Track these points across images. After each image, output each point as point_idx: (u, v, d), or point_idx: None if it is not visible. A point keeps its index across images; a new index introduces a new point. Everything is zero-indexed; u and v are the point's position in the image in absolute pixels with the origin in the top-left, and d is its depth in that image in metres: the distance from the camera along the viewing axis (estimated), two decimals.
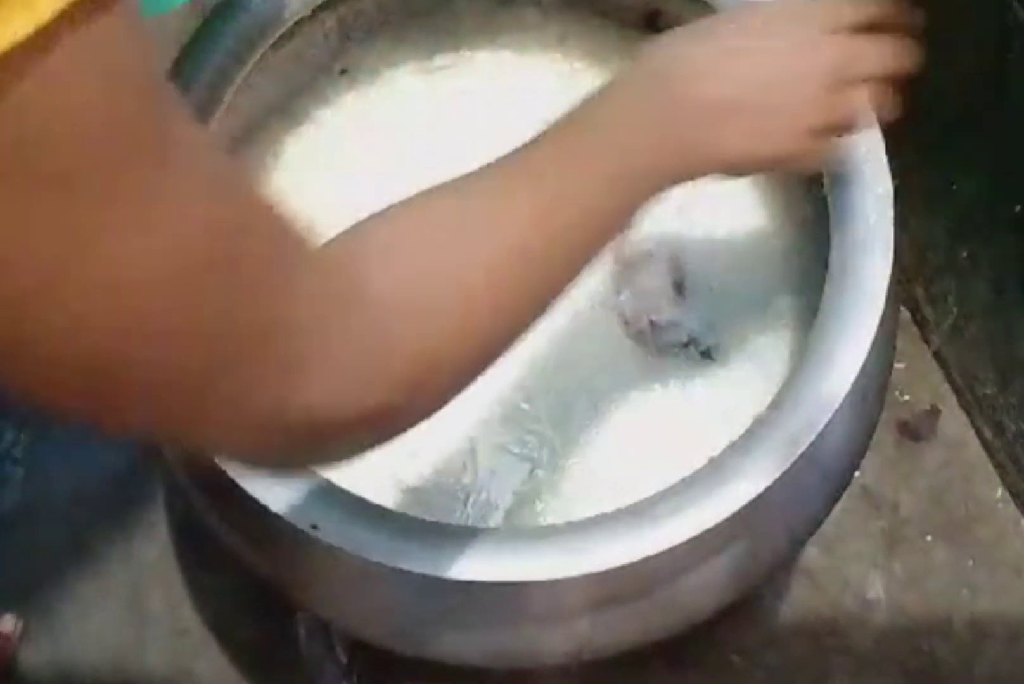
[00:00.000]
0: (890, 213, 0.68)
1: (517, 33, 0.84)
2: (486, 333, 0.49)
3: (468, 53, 0.85)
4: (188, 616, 1.02)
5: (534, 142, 0.53)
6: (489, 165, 0.52)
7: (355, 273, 0.44)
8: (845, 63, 0.58)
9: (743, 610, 1.02)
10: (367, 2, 0.81)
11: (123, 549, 1.03)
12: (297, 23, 0.77)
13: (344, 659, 1.00)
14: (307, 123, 0.84)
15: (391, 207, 0.49)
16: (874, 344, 0.67)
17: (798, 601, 1.04)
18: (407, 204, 0.50)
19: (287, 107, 0.83)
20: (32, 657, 1.01)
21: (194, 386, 0.39)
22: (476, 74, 0.85)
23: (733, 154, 0.57)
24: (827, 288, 0.67)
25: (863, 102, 0.59)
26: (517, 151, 0.52)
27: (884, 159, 0.70)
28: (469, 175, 0.51)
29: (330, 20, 0.80)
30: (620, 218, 0.54)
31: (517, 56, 0.84)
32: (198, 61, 0.73)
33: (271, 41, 0.75)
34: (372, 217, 0.49)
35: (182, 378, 0.39)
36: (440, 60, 0.85)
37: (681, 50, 0.56)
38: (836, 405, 0.66)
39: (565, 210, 0.51)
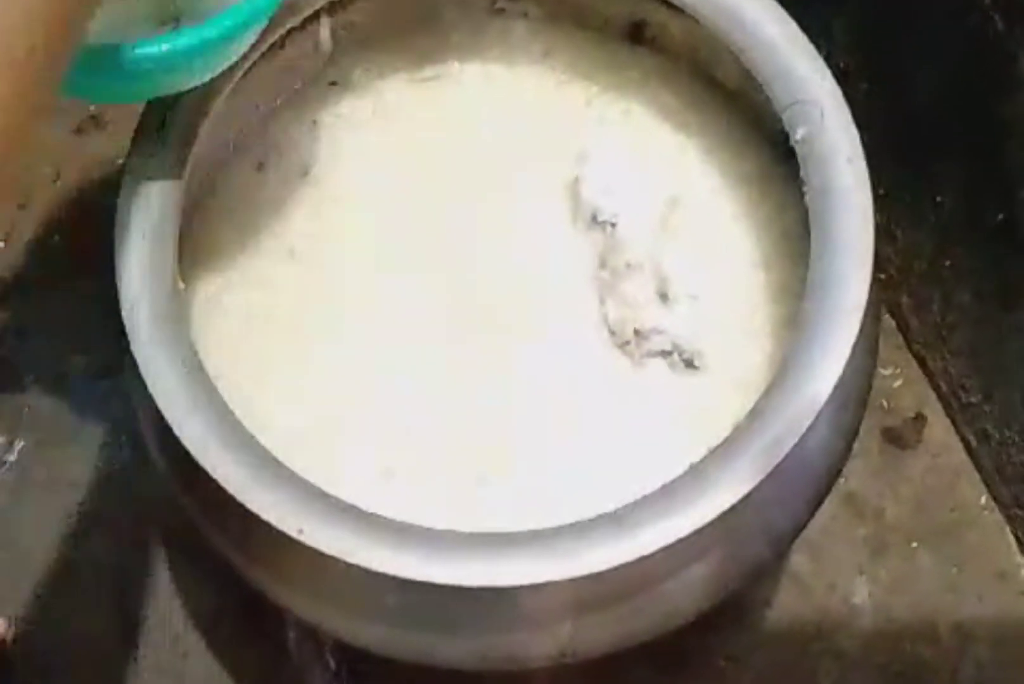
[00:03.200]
0: (870, 222, 0.69)
1: (505, 46, 0.85)
2: None
3: (457, 65, 0.85)
4: (178, 621, 1.02)
5: None
6: None
7: None
8: None
9: (731, 615, 1.03)
10: (356, 13, 0.82)
11: (114, 554, 1.04)
12: (288, 33, 0.78)
13: (333, 663, 1.00)
14: (297, 133, 0.84)
15: None
16: (854, 352, 0.67)
17: (785, 606, 1.04)
18: None
19: (278, 117, 0.83)
20: (22, 661, 1.02)
21: None
22: (464, 86, 0.85)
23: None
24: (807, 298, 0.68)
25: None
26: None
27: (865, 170, 0.70)
28: None
29: (319, 29, 0.81)
30: None
31: (505, 68, 0.85)
32: None
33: (262, 50, 0.76)
34: None
35: None
36: (429, 71, 0.85)
37: None
38: (816, 413, 0.66)
39: None
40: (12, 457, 1.07)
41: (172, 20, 0.71)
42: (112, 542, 1.04)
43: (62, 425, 1.08)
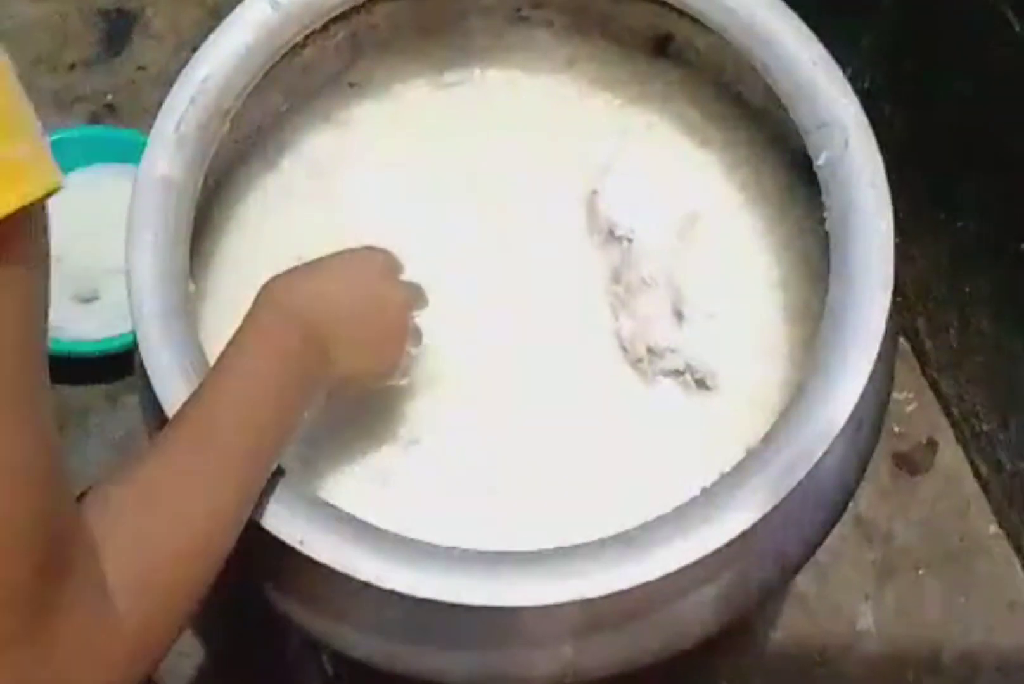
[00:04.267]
0: (890, 248, 0.68)
1: (528, 53, 0.84)
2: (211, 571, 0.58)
3: (479, 71, 0.85)
4: None
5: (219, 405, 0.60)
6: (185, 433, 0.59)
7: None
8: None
9: (735, 636, 1.02)
10: (379, 16, 0.81)
11: None
12: (309, 35, 0.77)
13: (331, 671, 0.99)
14: (314, 134, 0.83)
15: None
16: (871, 379, 0.66)
17: (789, 628, 1.04)
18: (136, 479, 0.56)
19: (295, 117, 0.83)
20: None
21: None
22: (486, 92, 0.84)
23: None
24: (825, 321, 0.67)
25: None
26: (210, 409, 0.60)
27: (887, 196, 0.69)
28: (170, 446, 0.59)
29: (342, 32, 0.80)
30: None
31: (527, 76, 0.84)
32: (207, 66, 0.73)
33: (283, 51, 0.75)
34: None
35: None
36: (450, 77, 0.85)
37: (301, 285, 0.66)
38: (830, 440, 0.65)
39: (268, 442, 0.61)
40: None
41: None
42: None
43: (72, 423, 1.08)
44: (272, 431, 0.61)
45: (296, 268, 0.68)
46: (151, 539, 0.54)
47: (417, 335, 0.72)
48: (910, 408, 1.08)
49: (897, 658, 1.03)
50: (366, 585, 0.63)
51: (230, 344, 0.63)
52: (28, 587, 0.47)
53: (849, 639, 1.03)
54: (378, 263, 0.70)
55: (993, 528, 1.06)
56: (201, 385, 0.61)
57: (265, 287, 0.65)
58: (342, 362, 0.66)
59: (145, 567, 0.53)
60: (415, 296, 0.72)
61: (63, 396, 1.08)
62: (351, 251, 0.70)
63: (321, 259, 0.69)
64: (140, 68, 1.10)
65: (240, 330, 0.63)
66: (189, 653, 1.01)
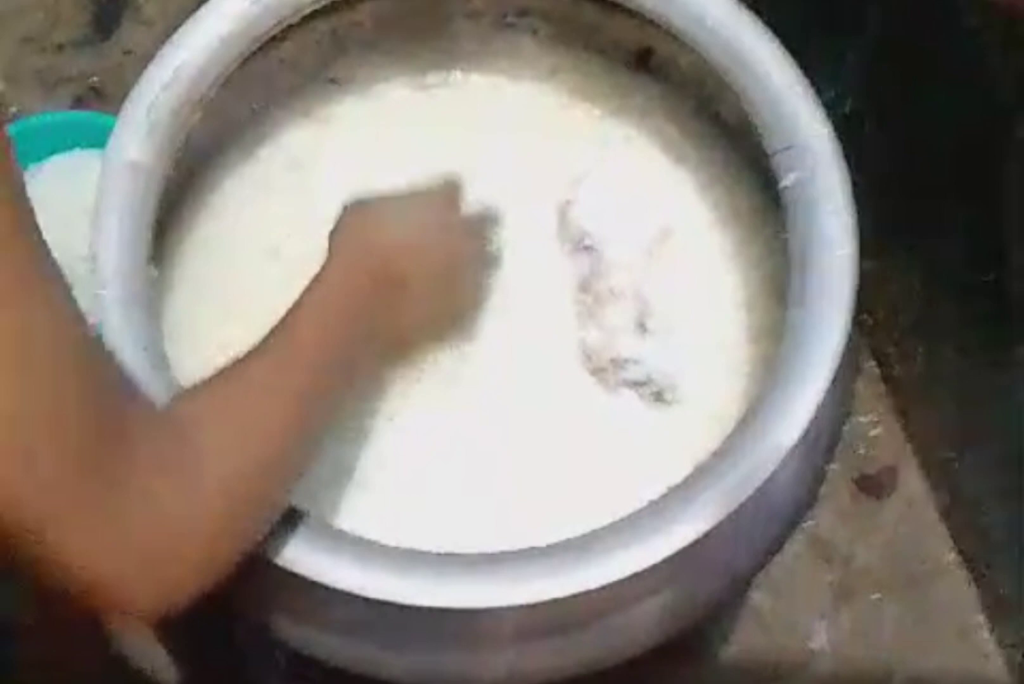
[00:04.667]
0: (851, 272, 0.69)
1: (512, 60, 0.84)
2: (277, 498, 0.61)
3: (462, 75, 0.85)
4: None
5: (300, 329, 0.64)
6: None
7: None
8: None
9: (687, 649, 1.02)
10: (363, 14, 0.81)
11: None
12: (287, 28, 0.77)
13: (284, 664, 0.99)
14: (293, 128, 0.84)
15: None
16: (827, 398, 0.67)
17: (743, 643, 1.04)
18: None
19: (274, 111, 0.83)
20: (22, 654, 1.02)
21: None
22: (467, 96, 0.85)
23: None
24: (783, 342, 0.68)
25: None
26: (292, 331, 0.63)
27: (851, 222, 0.70)
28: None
29: (324, 28, 0.81)
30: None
31: (510, 82, 0.84)
32: (182, 53, 0.74)
33: (260, 43, 0.76)
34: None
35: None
36: (433, 78, 0.85)
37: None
38: (781, 458, 0.66)
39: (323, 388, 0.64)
40: None
41: None
42: None
43: None
44: (341, 359, 0.65)
45: (376, 205, 0.71)
46: (232, 449, 0.56)
47: (490, 261, 0.75)
48: (875, 431, 1.08)
49: (850, 679, 1.03)
50: (318, 586, 0.64)
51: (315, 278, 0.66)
52: (92, 452, 0.48)
53: (803, 657, 1.04)
54: (443, 201, 0.72)
55: (952, 555, 1.06)
56: (287, 312, 0.64)
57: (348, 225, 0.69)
58: (415, 306, 0.69)
59: (230, 472, 0.55)
60: (482, 224, 0.75)
61: None
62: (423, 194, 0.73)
63: (398, 198, 0.72)
64: (127, 52, 1.10)
65: (324, 266, 0.66)
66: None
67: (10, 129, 0.52)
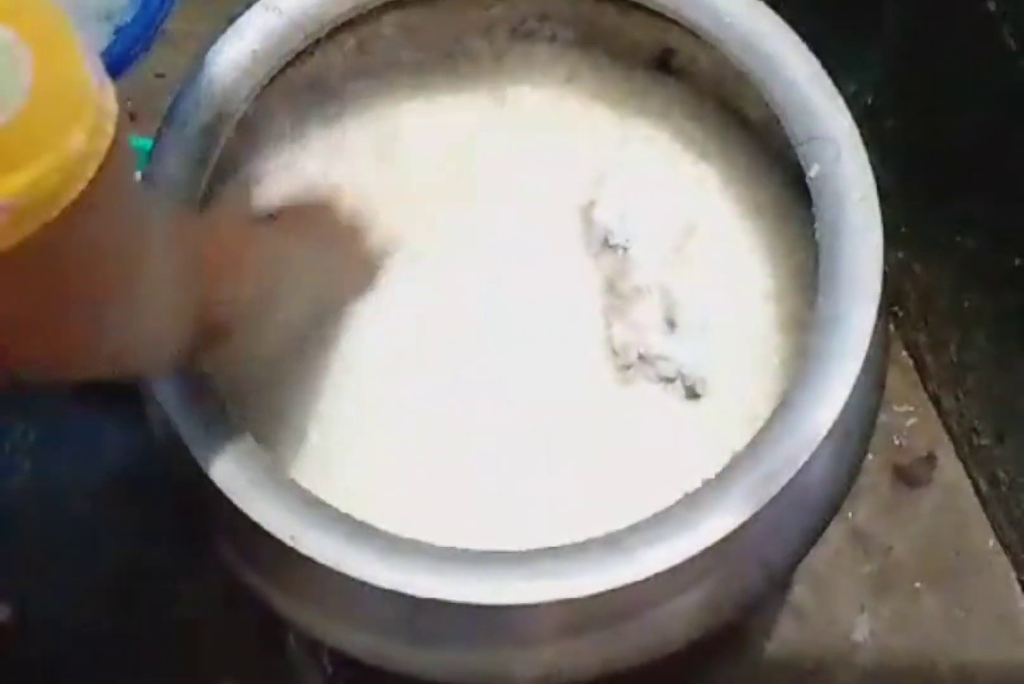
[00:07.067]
0: (879, 261, 0.69)
1: (528, 68, 0.85)
2: None
3: (483, 82, 0.85)
4: (183, 613, 1.03)
5: None
6: None
7: None
8: None
9: (729, 645, 1.03)
10: (388, 25, 0.82)
11: (121, 545, 1.05)
12: (316, 42, 0.78)
13: (329, 669, 1.00)
14: (313, 134, 0.84)
15: None
16: (856, 389, 0.67)
17: (784, 638, 1.04)
18: None
19: (294, 128, 0.83)
20: (27, 648, 1.03)
21: None
22: (486, 104, 0.85)
23: None
24: (813, 332, 0.68)
25: None
26: None
27: (877, 210, 0.70)
28: None
29: (350, 40, 0.81)
30: None
31: (529, 90, 0.85)
32: (212, 69, 0.75)
33: (288, 59, 0.76)
34: None
35: None
36: (455, 85, 0.85)
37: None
38: (814, 448, 0.66)
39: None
40: (28, 445, 1.09)
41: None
42: (122, 533, 1.05)
43: (71, 422, 1.09)
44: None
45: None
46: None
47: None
48: (911, 421, 1.08)
49: (892, 671, 1.03)
50: (351, 580, 0.65)
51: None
52: None
53: (844, 650, 1.04)
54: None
55: (992, 543, 1.06)
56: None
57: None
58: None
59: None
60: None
61: None
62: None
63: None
64: (159, 76, 1.11)
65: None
66: (191, 644, 1.02)
67: None
